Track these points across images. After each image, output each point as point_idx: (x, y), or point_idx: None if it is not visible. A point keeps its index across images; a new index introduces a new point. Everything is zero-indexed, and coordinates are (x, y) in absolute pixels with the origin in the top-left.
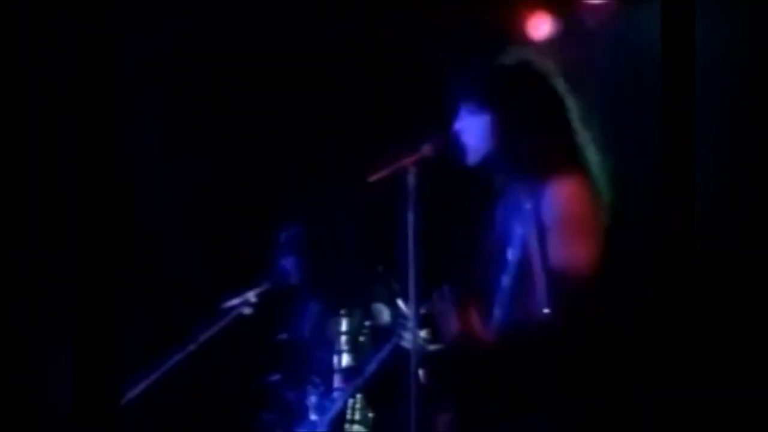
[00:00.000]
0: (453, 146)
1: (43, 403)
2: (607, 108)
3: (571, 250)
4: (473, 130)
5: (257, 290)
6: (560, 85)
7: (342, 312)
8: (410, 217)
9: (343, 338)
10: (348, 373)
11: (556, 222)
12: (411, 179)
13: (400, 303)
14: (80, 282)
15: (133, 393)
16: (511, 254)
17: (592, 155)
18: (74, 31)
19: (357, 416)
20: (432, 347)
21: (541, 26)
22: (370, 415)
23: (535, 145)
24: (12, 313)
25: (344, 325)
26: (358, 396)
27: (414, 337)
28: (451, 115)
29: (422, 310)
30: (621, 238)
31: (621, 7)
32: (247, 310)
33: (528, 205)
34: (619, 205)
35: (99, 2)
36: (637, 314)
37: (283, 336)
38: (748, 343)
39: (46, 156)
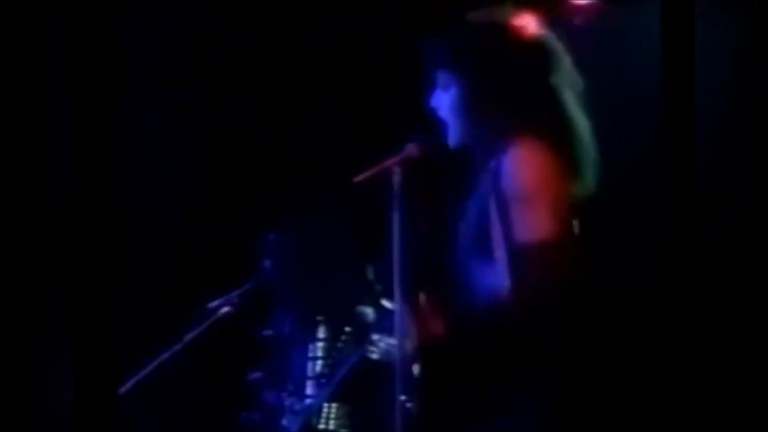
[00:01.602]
0: (435, 129)
1: (43, 401)
2: (606, 108)
3: (532, 218)
4: (446, 105)
5: (240, 290)
6: (545, 45)
7: (320, 318)
8: (395, 218)
9: (320, 344)
10: (321, 380)
11: (518, 186)
12: (396, 180)
13: (386, 303)
14: (78, 279)
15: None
16: (470, 226)
17: (579, 120)
18: (72, 23)
19: (330, 426)
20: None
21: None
22: (344, 423)
23: (505, 105)
24: (10, 312)
25: (321, 332)
26: (333, 404)
27: (399, 339)
28: (428, 94)
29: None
30: (615, 236)
31: (621, 8)
32: (230, 310)
33: (489, 173)
34: (616, 202)
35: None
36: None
37: (267, 332)
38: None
39: (42, 154)
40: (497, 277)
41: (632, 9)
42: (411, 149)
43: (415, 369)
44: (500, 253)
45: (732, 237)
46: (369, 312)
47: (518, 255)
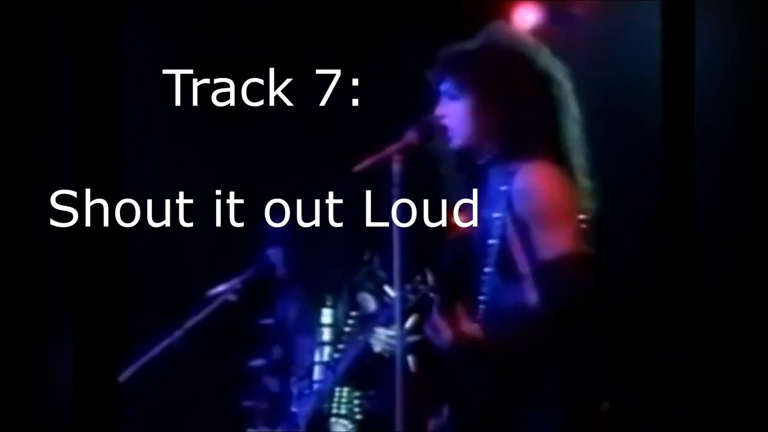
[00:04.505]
0: (436, 131)
1: (43, 389)
2: (606, 109)
3: (551, 235)
4: (453, 114)
5: (242, 277)
6: (541, 63)
7: (327, 303)
8: (396, 206)
9: (326, 330)
10: (329, 366)
11: (534, 206)
12: (396, 167)
13: (388, 290)
14: (78, 267)
15: (120, 379)
16: (491, 242)
17: (575, 137)
18: (72, 23)
19: (342, 410)
20: (413, 339)
21: (539, 23)
22: (356, 409)
23: (512, 126)
24: (10, 302)
25: (327, 317)
26: (344, 389)
27: (398, 329)
28: (432, 100)
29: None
30: (616, 237)
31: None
32: (232, 297)
33: (504, 189)
34: (613, 203)
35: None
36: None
37: (269, 321)
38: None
39: (43, 150)
40: (524, 294)
41: (632, 8)
42: (411, 136)
43: (411, 361)
44: (525, 270)
45: (732, 236)
46: (369, 299)
47: (543, 271)
